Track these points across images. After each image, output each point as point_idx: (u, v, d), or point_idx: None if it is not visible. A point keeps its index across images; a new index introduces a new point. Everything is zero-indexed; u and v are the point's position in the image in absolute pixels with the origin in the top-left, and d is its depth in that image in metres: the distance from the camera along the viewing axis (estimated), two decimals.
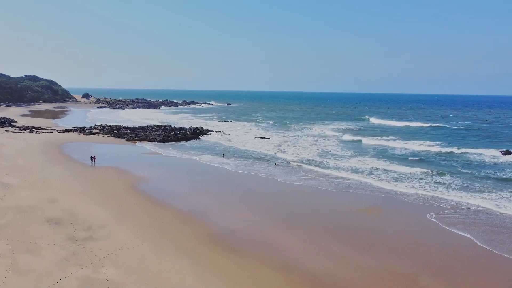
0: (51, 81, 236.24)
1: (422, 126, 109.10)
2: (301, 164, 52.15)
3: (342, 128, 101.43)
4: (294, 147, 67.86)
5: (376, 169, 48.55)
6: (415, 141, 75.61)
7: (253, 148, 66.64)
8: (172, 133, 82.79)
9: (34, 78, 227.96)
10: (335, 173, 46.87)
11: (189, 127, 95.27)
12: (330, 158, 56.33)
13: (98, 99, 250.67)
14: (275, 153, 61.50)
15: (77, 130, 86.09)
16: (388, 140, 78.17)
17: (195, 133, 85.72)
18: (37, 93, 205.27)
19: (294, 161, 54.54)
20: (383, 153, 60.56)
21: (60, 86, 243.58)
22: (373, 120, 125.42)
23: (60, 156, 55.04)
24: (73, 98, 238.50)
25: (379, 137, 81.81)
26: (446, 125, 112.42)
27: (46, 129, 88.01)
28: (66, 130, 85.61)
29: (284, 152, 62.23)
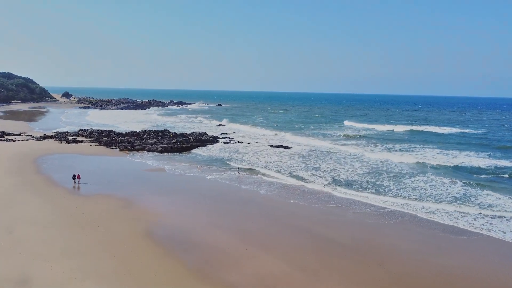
0: (27, 79, 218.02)
1: (439, 133, 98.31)
2: (361, 192, 39.78)
3: (363, 135, 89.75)
4: (325, 161, 55.41)
5: (475, 201, 36.18)
6: (454, 152, 64.58)
7: (277, 162, 54.07)
8: (174, 141, 69.51)
9: (9, 76, 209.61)
10: (423, 212, 34.74)
11: (191, 133, 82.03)
12: (385, 180, 44.22)
13: (80, 98, 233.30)
14: (308, 170, 49.28)
15: (58, 137, 71.78)
16: (423, 149, 67.11)
17: (200, 141, 72.65)
18: (12, 91, 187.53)
19: (340, 184, 42.42)
20: (451, 172, 48.40)
21: (38, 84, 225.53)
22: (391, 127, 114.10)
23: (36, 177, 41.26)
24: (52, 97, 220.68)
25: (414, 147, 70.57)
26: (466, 130, 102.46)
27: (20, 135, 73.45)
28: (45, 137, 71.21)
29: (317, 169, 49.84)
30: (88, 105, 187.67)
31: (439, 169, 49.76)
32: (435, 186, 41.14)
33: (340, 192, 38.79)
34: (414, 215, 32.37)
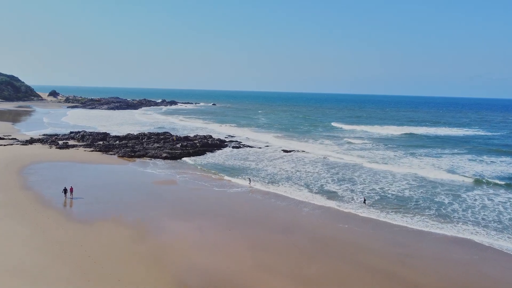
0: (12, 77, 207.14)
1: (455, 135, 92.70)
2: (422, 214, 33.08)
3: (378, 138, 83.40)
4: (355, 171, 48.74)
5: None
6: (487, 158, 59.04)
7: (300, 173, 46.96)
8: (179, 146, 62.07)
9: None
10: None
11: (195, 136, 74.54)
12: (441, 195, 37.61)
13: (68, 97, 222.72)
14: (341, 183, 42.62)
15: (47, 141, 63.60)
16: (451, 155, 61.21)
17: (207, 145, 65.27)
18: None
19: (390, 203, 35.75)
20: (506, 185, 41.78)
21: (23, 82, 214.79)
22: (402, 129, 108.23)
23: (22, 194, 33.51)
24: (39, 96, 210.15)
25: (440, 152, 64.38)
26: (481, 133, 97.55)
27: (3, 138, 65.16)
28: (31, 141, 62.99)
29: (352, 182, 42.90)
30: (77, 104, 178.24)
31: (491, 182, 43.18)
32: (506, 204, 34.57)
33: (397, 214, 31.91)
34: (507, 250, 25.69)
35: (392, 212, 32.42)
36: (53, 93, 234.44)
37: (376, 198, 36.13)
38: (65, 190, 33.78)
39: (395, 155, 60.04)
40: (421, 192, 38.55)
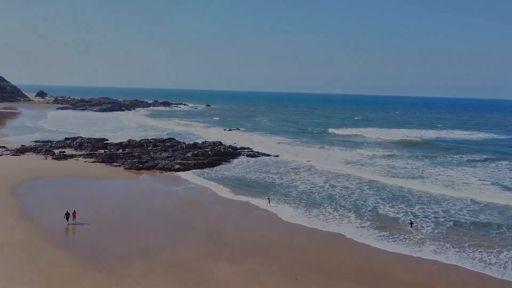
0: None
1: (475, 139, 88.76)
2: None
3: (401, 142, 78.07)
4: (400, 187, 43.33)
5: None
6: None
7: (339, 190, 40.79)
8: (190, 155, 55.60)
9: None
10: None
11: (203, 142, 68.08)
12: None
13: (56, 98, 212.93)
14: (393, 203, 36.93)
15: (40, 150, 56.37)
16: (484, 162, 56.75)
17: (219, 153, 58.86)
18: None
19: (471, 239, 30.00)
20: None
21: (9, 82, 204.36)
22: (419, 132, 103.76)
23: (20, 226, 26.75)
24: (25, 96, 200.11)
25: (471, 159, 59.23)
26: (496, 135, 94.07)
27: None
28: (23, 150, 55.70)
29: (407, 201, 37.09)
30: (67, 105, 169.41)
31: None
32: None
33: (486, 251, 26.10)
34: None
35: (473, 246, 26.63)
36: (41, 94, 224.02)
37: (448, 225, 30.33)
38: (67, 215, 27.71)
39: (424, 165, 54.99)
40: (495, 217, 32.77)
